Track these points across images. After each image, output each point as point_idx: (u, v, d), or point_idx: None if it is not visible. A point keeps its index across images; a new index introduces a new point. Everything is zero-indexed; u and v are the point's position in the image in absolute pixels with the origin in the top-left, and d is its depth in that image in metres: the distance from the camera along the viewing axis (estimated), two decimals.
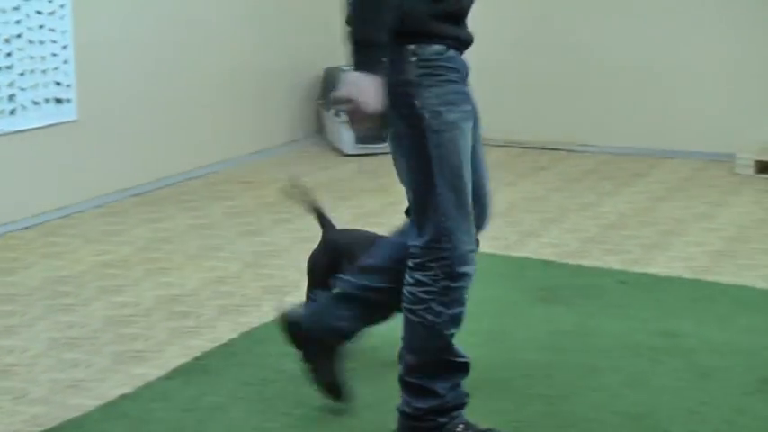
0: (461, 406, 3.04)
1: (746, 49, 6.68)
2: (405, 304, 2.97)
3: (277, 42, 7.26)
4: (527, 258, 4.87)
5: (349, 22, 2.67)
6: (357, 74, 2.62)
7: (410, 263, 2.92)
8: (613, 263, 4.82)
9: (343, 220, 5.56)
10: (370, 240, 3.49)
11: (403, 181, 2.92)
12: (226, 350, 3.84)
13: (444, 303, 2.92)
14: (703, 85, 6.85)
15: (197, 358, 3.77)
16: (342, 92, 2.65)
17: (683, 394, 3.45)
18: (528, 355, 3.76)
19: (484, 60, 7.39)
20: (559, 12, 7.21)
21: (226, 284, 4.59)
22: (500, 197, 6.04)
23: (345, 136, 6.98)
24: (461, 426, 3.01)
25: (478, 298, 4.35)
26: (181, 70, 6.48)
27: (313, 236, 5.23)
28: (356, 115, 2.65)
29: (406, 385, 3.02)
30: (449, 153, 2.79)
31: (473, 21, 2.94)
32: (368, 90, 2.61)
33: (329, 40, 7.78)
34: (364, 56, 2.61)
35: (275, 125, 7.34)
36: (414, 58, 2.74)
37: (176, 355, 3.81)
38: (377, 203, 5.91)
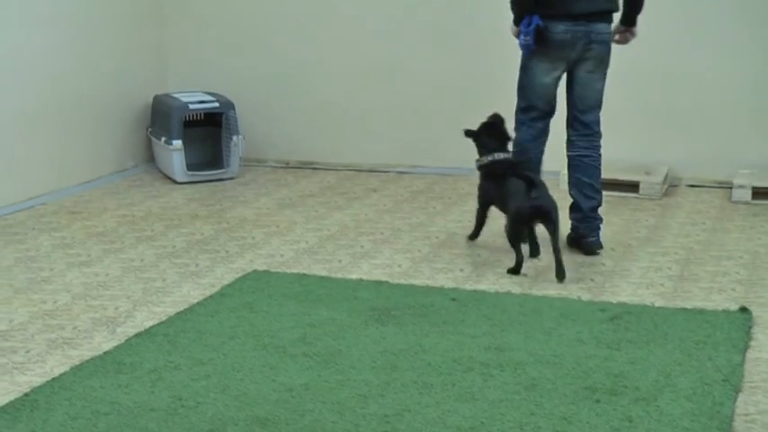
0: None
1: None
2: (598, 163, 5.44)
3: (106, 70, 7.16)
4: (360, 280, 4.92)
5: None
6: None
7: (598, 139, 5.39)
8: (444, 281, 4.92)
9: (178, 247, 5.54)
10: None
11: (595, 98, 5.34)
12: (56, 384, 3.76)
13: None
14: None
15: (26, 394, 3.69)
16: None
17: (514, 406, 3.54)
18: (362, 375, 3.80)
19: (311, 90, 7.49)
20: (388, 38, 7.32)
21: (55, 318, 4.50)
22: (332, 220, 6.10)
23: (177, 163, 6.93)
24: None
25: (312, 321, 4.40)
26: (5, 99, 6.32)
27: (144, 265, 5.20)
28: None
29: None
30: None
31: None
32: None
33: (158, 68, 7.74)
34: None
35: (105, 154, 7.22)
36: None
37: (4, 393, 3.71)
38: (211, 229, 5.88)
